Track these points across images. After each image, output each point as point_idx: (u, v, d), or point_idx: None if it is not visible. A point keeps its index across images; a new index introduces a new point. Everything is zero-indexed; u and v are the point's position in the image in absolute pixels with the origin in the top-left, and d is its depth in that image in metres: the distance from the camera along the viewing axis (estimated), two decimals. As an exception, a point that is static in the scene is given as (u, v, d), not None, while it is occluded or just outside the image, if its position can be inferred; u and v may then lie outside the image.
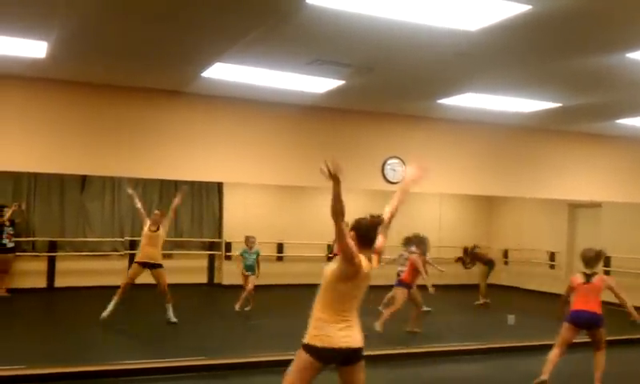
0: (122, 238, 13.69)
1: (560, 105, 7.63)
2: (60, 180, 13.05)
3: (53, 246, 13.11)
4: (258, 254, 11.14)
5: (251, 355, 7.74)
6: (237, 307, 10.94)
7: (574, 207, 14.35)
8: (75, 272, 13.09)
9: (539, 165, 9.55)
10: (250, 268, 11.00)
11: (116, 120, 7.20)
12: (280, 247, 14.72)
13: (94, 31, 5.21)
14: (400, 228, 12.08)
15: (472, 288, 13.72)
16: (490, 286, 13.90)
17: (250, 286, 10.92)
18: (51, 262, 13.04)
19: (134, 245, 13.77)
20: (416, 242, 10.26)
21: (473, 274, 13.80)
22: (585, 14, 4.40)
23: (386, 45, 5.29)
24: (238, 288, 13.96)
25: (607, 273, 13.48)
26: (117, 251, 13.61)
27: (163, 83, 7.12)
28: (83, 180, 13.36)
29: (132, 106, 7.28)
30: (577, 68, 5.95)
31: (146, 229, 9.67)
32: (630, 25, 4.63)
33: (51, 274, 13.03)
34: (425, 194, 14.29)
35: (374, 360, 7.97)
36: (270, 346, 8.26)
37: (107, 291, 12.88)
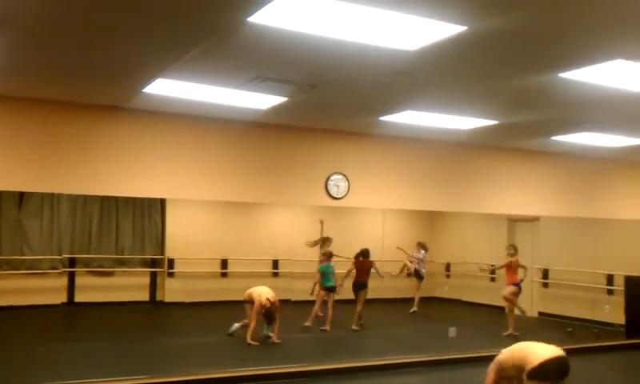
0: (61, 255, 13.36)
1: (497, 122, 7.83)
2: (-4, 196, 12.70)
3: (-12, 265, 12.73)
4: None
5: (197, 373, 7.67)
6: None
7: (513, 221, 14.67)
8: (12, 290, 12.71)
9: (480, 180, 9.76)
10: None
11: (55, 135, 7.06)
12: (224, 263, 14.62)
13: (32, 46, 5.11)
14: (343, 243, 12.26)
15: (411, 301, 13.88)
16: (432, 299, 14.09)
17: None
18: (-14, 281, 12.66)
19: (73, 262, 13.50)
20: None
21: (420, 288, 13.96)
22: (518, 35, 4.53)
23: (327, 63, 5.34)
24: (180, 305, 13.88)
25: (545, 285, 13.86)
26: (55, 269, 13.27)
27: (103, 99, 7.03)
28: (21, 196, 12.99)
29: (71, 121, 7.14)
30: (512, 87, 6.12)
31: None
32: (562, 46, 4.79)
33: (-14, 293, 12.63)
34: (368, 210, 14.44)
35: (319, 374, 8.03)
36: (215, 363, 8.21)
37: (45, 310, 12.62)
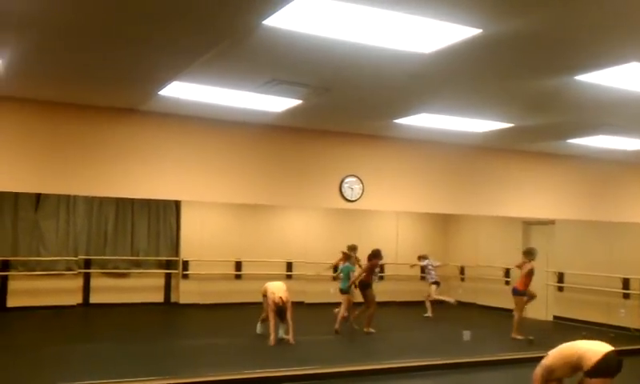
0: (76, 256, 13.47)
1: (512, 125, 7.80)
2: (13, 198, 12.81)
3: (5, 265, 12.83)
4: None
5: (211, 375, 7.69)
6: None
7: (528, 224, 14.62)
8: (28, 291, 12.83)
9: (494, 183, 9.72)
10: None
11: (71, 138, 7.12)
12: (238, 265, 14.66)
13: (49, 50, 5.16)
14: (358, 246, 12.24)
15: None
16: (446, 302, 14.03)
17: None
18: (3, 282, 12.76)
19: (88, 264, 13.60)
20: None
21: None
22: (534, 37, 4.52)
23: (342, 66, 5.35)
24: (195, 307, 13.93)
25: (560, 289, 13.78)
26: (71, 270, 13.38)
27: (119, 101, 7.08)
28: (37, 198, 13.13)
29: (87, 123, 7.20)
30: (527, 90, 6.10)
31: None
32: (577, 48, 4.78)
33: (3, 293, 12.74)
34: (382, 212, 14.44)
35: (332, 376, 8.04)
36: (229, 365, 8.23)
37: (61, 310, 12.70)
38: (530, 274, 11.12)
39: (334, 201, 8.58)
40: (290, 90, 6.20)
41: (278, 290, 9.76)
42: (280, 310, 9.64)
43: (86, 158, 7.17)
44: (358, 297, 11.64)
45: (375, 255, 11.49)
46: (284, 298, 9.61)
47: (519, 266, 11.37)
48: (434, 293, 13.73)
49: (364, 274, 11.40)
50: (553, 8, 3.96)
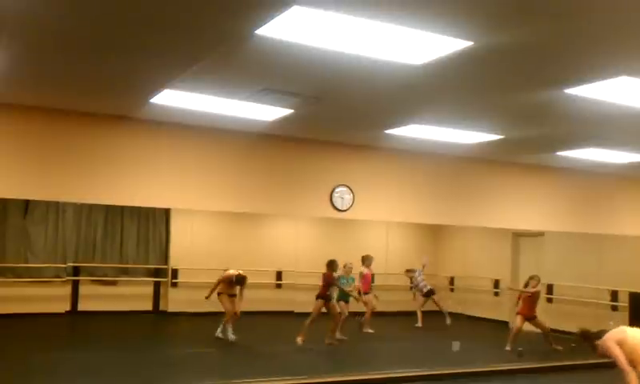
0: (65, 263, 13.39)
1: (502, 137, 7.84)
2: (2, 204, 12.73)
3: (-8, 272, 12.75)
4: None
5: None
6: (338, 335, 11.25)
7: (518, 236, 14.66)
8: (16, 298, 12.73)
9: (484, 194, 9.76)
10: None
11: (62, 144, 7.09)
12: (228, 274, 14.60)
13: (43, 57, 5.15)
14: (346, 256, 12.25)
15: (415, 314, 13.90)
16: (436, 313, 14.06)
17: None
18: (-10, 288, 12.68)
19: (77, 271, 13.52)
20: None
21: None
22: (524, 50, 4.55)
23: (334, 76, 5.36)
24: (183, 315, 13.87)
25: (549, 301, 13.82)
26: (59, 277, 13.30)
27: (111, 108, 7.06)
28: (26, 204, 13.05)
29: (78, 130, 7.17)
30: (517, 102, 6.13)
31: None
32: (567, 62, 4.81)
33: (-10, 300, 12.65)
34: (372, 222, 14.46)
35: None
36: (217, 374, 8.20)
37: (49, 318, 12.61)
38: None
39: (325, 210, 8.58)
40: (281, 99, 6.21)
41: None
42: (238, 280, 10.48)
43: (76, 164, 7.14)
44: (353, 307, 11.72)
45: (327, 266, 10.95)
46: (242, 272, 10.60)
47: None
48: (437, 300, 13.91)
49: (321, 287, 10.95)
50: (544, 22, 3.99)
